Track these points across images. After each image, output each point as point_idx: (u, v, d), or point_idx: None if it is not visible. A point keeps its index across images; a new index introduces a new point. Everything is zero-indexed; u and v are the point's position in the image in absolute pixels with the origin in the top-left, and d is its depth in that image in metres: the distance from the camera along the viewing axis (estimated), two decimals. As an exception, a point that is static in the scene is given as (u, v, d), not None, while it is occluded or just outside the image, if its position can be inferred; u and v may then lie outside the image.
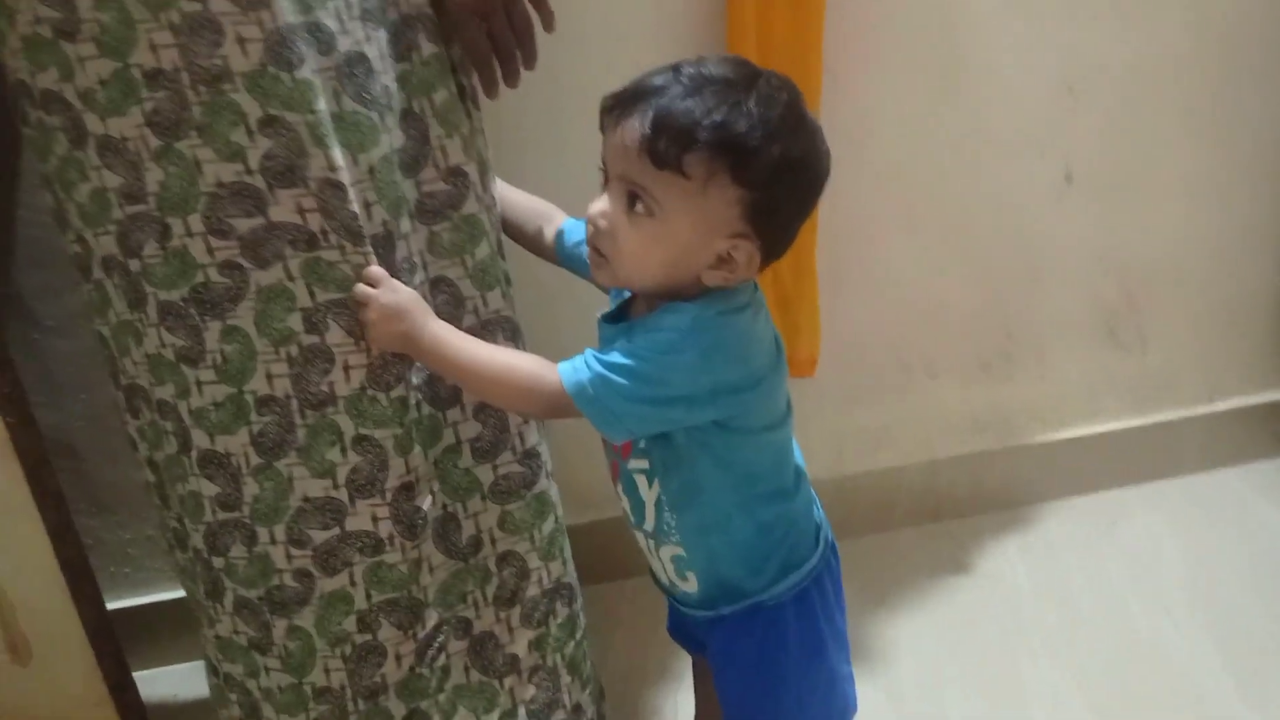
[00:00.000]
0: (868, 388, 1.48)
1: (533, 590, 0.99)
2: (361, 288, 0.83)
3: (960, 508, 1.57)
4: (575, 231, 0.97)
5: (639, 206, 0.78)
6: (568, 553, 1.02)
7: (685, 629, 1.01)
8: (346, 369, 0.84)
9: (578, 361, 0.81)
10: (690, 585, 0.91)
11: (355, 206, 0.81)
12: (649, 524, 0.90)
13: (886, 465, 1.54)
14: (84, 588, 1.10)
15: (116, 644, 1.15)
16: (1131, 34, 1.36)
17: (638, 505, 0.90)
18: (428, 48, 0.85)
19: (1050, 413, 1.57)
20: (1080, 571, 1.44)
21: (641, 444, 0.87)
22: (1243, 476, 1.61)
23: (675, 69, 0.78)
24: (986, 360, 1.51)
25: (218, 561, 0.88)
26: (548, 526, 0.98)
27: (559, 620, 1.01)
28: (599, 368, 0.79)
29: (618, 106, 0.79)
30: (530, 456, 0.96)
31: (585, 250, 0.91)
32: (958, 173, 1.38)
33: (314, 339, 0.83)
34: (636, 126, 0.76)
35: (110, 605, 1.18)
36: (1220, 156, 1.46)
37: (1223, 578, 1.41)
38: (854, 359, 1.44)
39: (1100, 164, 1.42)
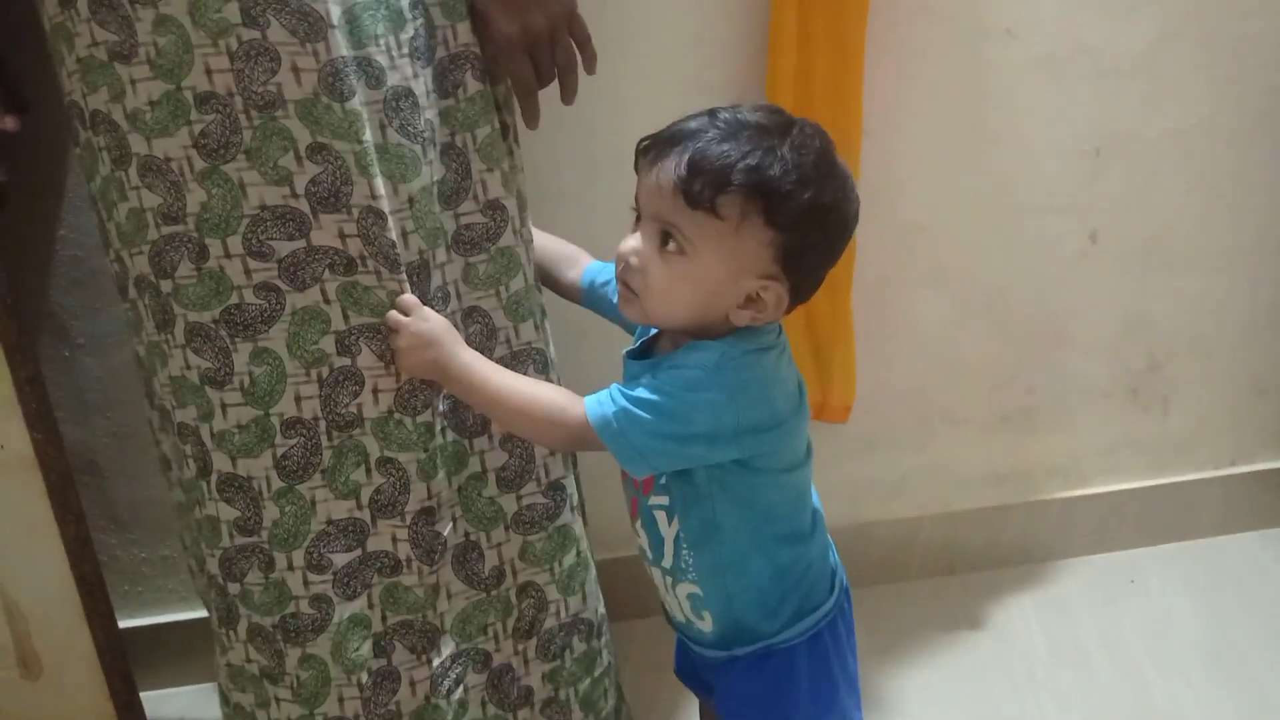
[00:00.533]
0: (887, 437, 1.48)
1: (550, 622, 0.98)
2: (394, 315, 0.84)
3: (976, 561, 1.56)
4: (601, 273, 0.99)
5: (671, 245, 0.80)
6: (590, 588, 1.01)
7: (694, 670, 1.01)
8: (375, 392, 0.85)
9: (603, 395, 0.83)
10: (706, 624, 0.91)
11: (394, 235, 0.83)
12: (667, 561, 0.91)
13: (903, 515, 1.53)
14: (97, 605, 1.11)
15: (126, 663, 1.15)
16: (1162, 103, 1.37)
17: (656, 542, 0.90)
18: (473, 85, 0.88)
19: (1069, 470, 1.56)
20: (1096, 631, 1.43)
21: (663, 480, 0.88)
22: (1261, 541, 1.59)
23: (711, 114, 0.81)
24: (1007, 415, 1.51)
25: (233, 588, 0.88)
26: (569, 560, 0.98)
27: (574, 655, 1.01)
28: (624, 401, 0.81)
29: (654, 148, 0.81)
30: (555, 489, 0.96)
31: (610, 290, 0.94)
32: (984, 230, 1.39)
33: (345, 361, 0.84)
34: (672, 168, 0.78)
35: (121, 624, 1.18)
36: (1247, 228, 1.46)
37: (1239, 643, 1.39)
38: (875, 408, 1.44)
39: (1126, 228, 1.43)
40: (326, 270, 0.82)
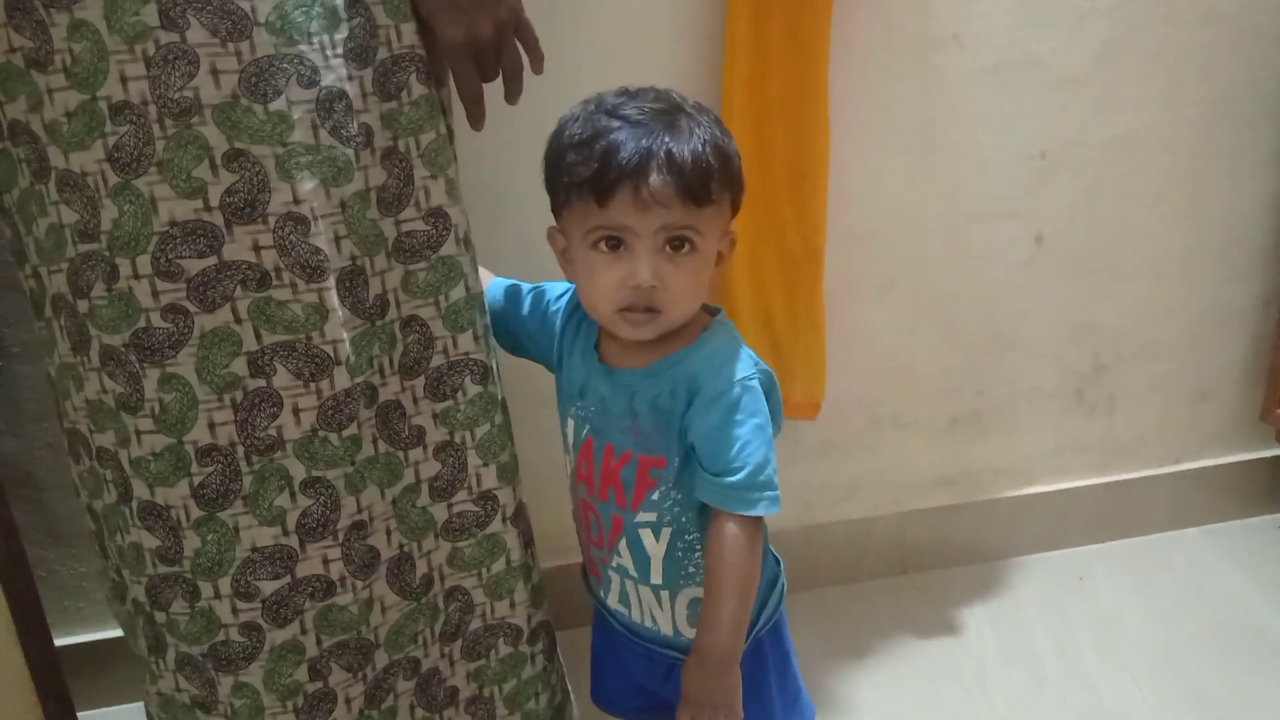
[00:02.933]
0: (839, 441, 1.49)
1: (475, 624, 0.98)
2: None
3: (927, 561, 1.58)
4: (511, 293, 1.01)
5: (686, 248, 0.84)
6: (521, 596, 1.00)
7: (631, 691, 1.02)
8: (296, 411, 0.82)
9: (743, 493, 0.85)
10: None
11: (318, 241, 0.80)
12: (656, 577, 0.92)
13: (855, 517, 1.54)
14: (31, 623, 1.07)
15: (62, 682, 1.11)
16: (1107, 111, 1.39)
17: (642, 561, 0.92)
18: (418, 88, 0.85)
19: (1018, 470, 1.58)
20: (1045, 630, 1.44)
21: (654, 495, 0.89)
22: (1206, 538, 1.63)
23: (623, 116, 0.84)
24: (957, 417, 1.52)
25: (160, 616, 0.86)
26: (497, 566, 0.97)
27: (499, 655, 1.00)
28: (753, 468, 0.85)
29: (613, 172, 0.81)
30: (486, 498, 0.95)
31: (555, 313, 0.97)
32: (934, 236, 1.41)
33: (260, 383, 0.80)
34: (662, 182, 0.81)
35: (60, 640, 1.15)
36: (1190, 233, 1.49)
37: (1186, 639, 1.41)
38: (827, 412, 1.44)
39: (1071, 232, 1.45)
40: (238, 287, 0.78)
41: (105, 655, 1.33)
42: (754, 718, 0.93)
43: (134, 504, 0.82)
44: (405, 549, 0.91)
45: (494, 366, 0.96)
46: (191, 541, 0.82)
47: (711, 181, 0.82)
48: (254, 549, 0.83)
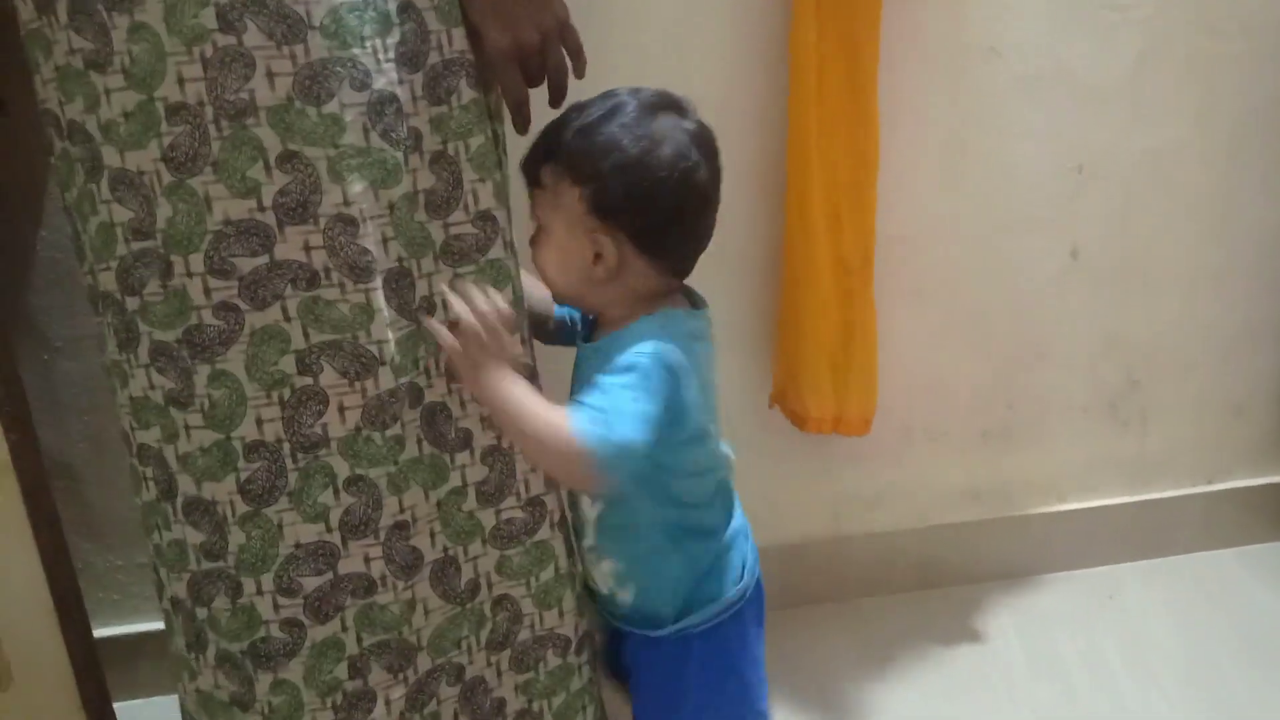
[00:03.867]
0: (867, 452, 1.48)
1: (524, 634, 0.98)
2: (476, 300, 0.86)
3: (956, 576, 1.57)
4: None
5: (535, 227, 0.94)
6: (569, 605, 1.00)
7: (617, 655, 1.05)
8: (341, 410, 0.83)
9: (587, 412, 0.85)
10: (627, 595, 0.97)
11: (366, 243, 0.81)
12: (590, 539, 0.98)
13: (883, 530, 1.53)
14: (72, 614, 1.09)
15: (100, 673, 1.13)
16: (1142, 123, 1.39)
17: (580, 521, 0.98)
18: (467, 93, 0.86)
19: (1048, 485, 1.57)
20: (1075, 647, 1.43)
21: None
22: (1239, 558, 1.61)
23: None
24: (987, 431, 1.52)
25: (201, 612, 0.86)
26: (546, 575, 0.97)
27: (549, 668, 1.00)
28: (601, 401, 0.85)
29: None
30: (534, 504, 0.95)
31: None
32: (966, 247, 1.41)
33: (307, 380, 0.82)
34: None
35: (97, 633, 1.16)
36: (1224, 247, 1.48)
37: (1216, 658, 1.40)
38: (857, 423, 1.45)
39: (1106, 246, 1.44)
40: (289, 286, 0.80)
41: (139, 647, 1.35)
42: (663, 700, 0.98)
43: (179, 500, 0.84)
44: (450, 552, 0.91)
45: (536, 369, 0.97)
46: (236, 537, 0.83)
47: (540, 163, 0.90)
48: (297, 545, 0.84)
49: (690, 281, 1.19)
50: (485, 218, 0.88)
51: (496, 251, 0.89)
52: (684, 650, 0.97)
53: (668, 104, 0.91)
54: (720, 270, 1.35)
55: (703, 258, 1.34)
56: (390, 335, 0.83)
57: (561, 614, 1.00)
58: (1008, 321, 1.46)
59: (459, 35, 0.85)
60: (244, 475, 0.82)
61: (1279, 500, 1.63)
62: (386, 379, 0.84)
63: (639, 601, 0.97)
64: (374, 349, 0.83)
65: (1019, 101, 1.34)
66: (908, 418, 1.49)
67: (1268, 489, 1.62)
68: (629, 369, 0.85)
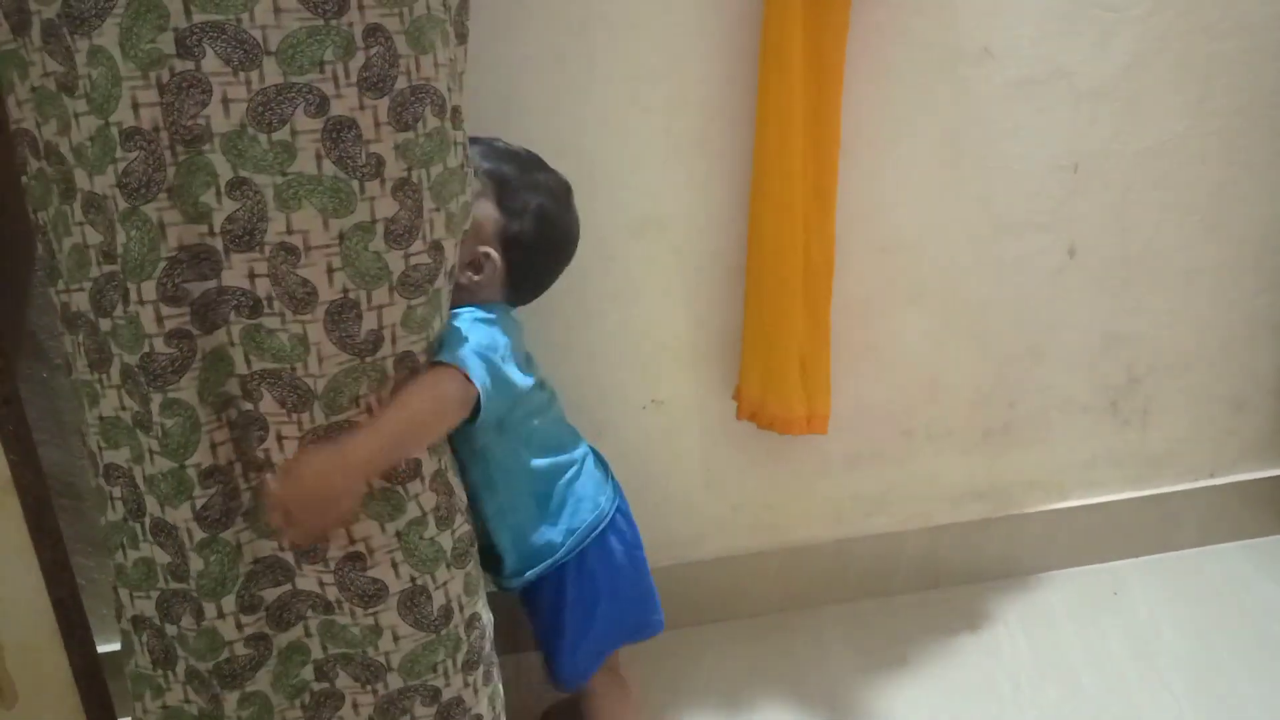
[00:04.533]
0: (870, 453, 1.49)
1: (489, 647, 0.99)
2: (275, 490, 0.83)
3: (959, 575, 1.57)
4: None
5: None
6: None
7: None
8: (280, 439, 0.83)
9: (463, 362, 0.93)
10: (509, 549, 1.08)
11: (308, 273, 0.80)
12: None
13: (886, 530, 1.53)
14: (75, 630, 1.09)
15: (104, 688, 1.13)
16: (1138, 122, 1.39)
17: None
18: (431, 120, 0.84)
19: (1050, 483, 1.57)
20: (1080, 644, 1.43)
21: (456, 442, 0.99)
22: (1242, 552, 1.61)
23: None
24: (988, 430, 1.52)
25: (170, 629, 0.87)
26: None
27: (497, 667, 1.02)
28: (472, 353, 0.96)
29: None
30: (468, 512, 0.98)
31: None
32: (964, 248, 1.41)
33: (248, 406, 0.82)
34: None
35: (100, 648, 1.16)
36: (1222, 243, 1.48)
37: (1222, 653, 1.40)
38: (857, 425, 1.45)
39: (1103, 245, 1.44)
40: (233, 312, 0.80)
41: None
42: (546, 638, 1.11)
43: (147, 520, 0.84)
44: (419, 581, 0.91)
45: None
46: (195, 563, 0.84)
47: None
48: (255, 560, 0.85)
49: (688, 283, 1.34)
50: (436, 247, 0.87)
51: (439, 281, 0.88)
52: (560, 579, 1.09)
53: (564, 188, 1.10)
54: (715, 274, 1.36)
55: (700, 261, 1.35)
56: (325, 371, 0.82)
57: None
58: (1007, 321, 1.46)
59: (427, 62, 0.84)
60: (199, 503, 0.83)
61: (1278, 494, 1.62)
62: (319, 414, 0.83)
63: (516, 551, 1.08)
64: (310, 382, 0.82)
65: (1014, 102, 1.34)
66: (909, 419, 1.49)
67: (1269, 482, 1.62)
68: (463, 329, 0.96)
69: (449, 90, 0.87)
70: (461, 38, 0.91)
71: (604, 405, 1.40)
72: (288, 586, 0.86)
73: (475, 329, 0.96)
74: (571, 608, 1.10)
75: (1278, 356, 1.56)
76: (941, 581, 1.57)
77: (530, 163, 1.08)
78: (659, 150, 1.29)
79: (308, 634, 0.88)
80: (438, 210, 0.86)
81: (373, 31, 0.80)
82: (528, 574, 1.09)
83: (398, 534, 0.89)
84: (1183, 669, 1.37)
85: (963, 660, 1.42)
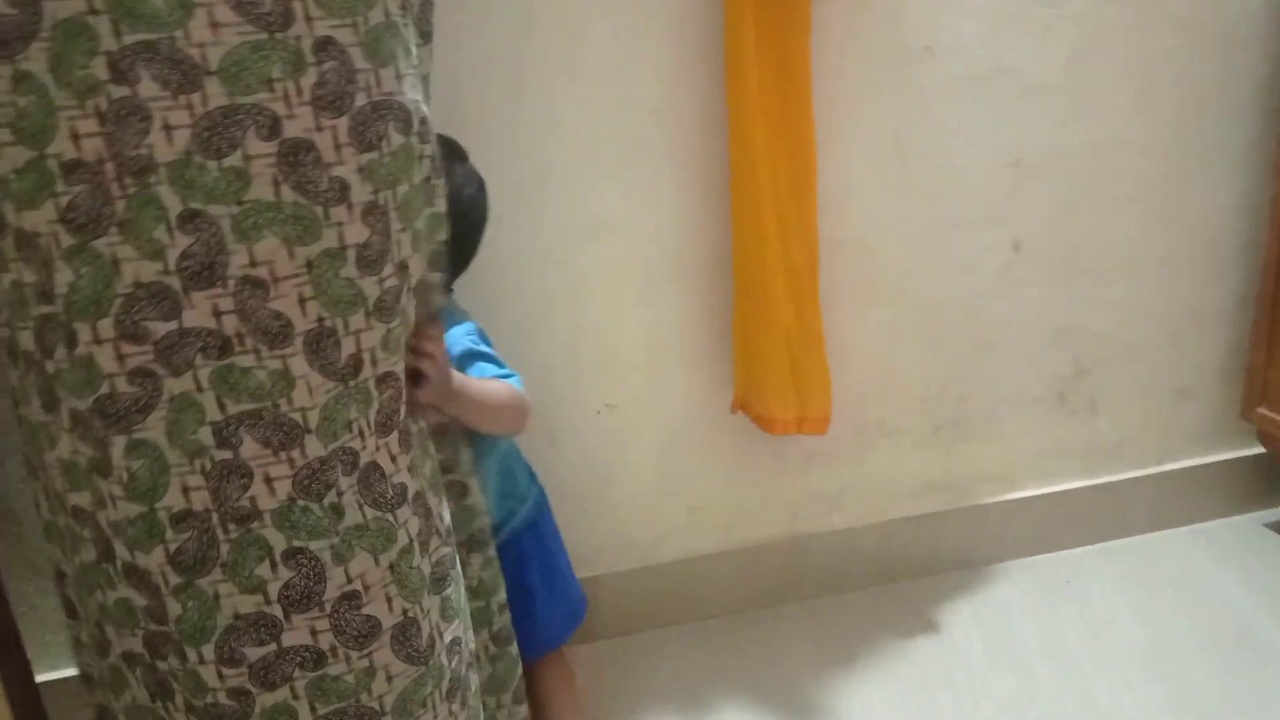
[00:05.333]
0: (824, 451, 1.49)
1: (465, 670, 0.95)
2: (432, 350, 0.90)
3: (916, 569, 1.58)
4: None
5: None
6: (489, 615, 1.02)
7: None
8: (269, 481, 0.78)
9: (512, 379, 1.07)
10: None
11: (279, 305, 0.76)
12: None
13: (843, 526, 1.54)
14: (12, 659, 1.06)
15: (44, 717, 1.10)
16: (1080, 117, 1.41)
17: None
18: (396, 139, 0.79)
19: (1003, 475, 1.58)
20: (1035, 634, 1.45)
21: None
22: (1192, 537, 1.64)
23: None
24: (941, 424, 1.53)
25: (162, 665, 0.82)
26: (477, 603, 0.97)
27: (472, 690, 0.99)
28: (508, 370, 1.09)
29: None
30: (450, 533, 0.93)
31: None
32: (913, 245, 1.41)
33: (226, 455, 0.76)
34: None
35: (41, 676, 1.13)
36: (1166, 234, 1.50)
37: (1174, 638, 1.42)
38: (810, 422, 1.45)
39: (1049, 237, 1.46)
40: (199, 355, 0.74)
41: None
42: (515, 604, 1.13)
43: (118, 563, 0.79)
44: (409, 613, 0.86)
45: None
46: (173, 608, 0.79)
47: None
48: (236, 615, 0.79)
49: (640, 286, 1.35)
50: (403, 266, 0.83)
51: (404, 299, 0.85)
52: (518, 550, 1.17)
53: (456, 150, 1.11)
54: (668, 277, 1.36)
55: (652, 264, 1.35)
56: (315, 401, 0.78)
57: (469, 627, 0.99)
58: (956, 316, 1.47)
59: (388, 75, 0.78)
60: (173, 547, 0.77)
61: (1227, 478, 1.66)
62: (314, 447, 0.79)
63: (495, 509, 1.14)
64: (297, 417, 0.78)
65: (958, 100, 1.35)
66: (862, 415, 1.49)
67: (1217, 466, 1.65)
68: (481, 346, 1.09)
69: (415, 102, 0.82)
70: (425, 37, 0.86)
71: (557, 411, 1.39)
72: (273, 646, 0.80)
73: (469, 329, 1.09)
74: (533, 570, 1.18)
75: (1222, 345, 1.59)
76: (898, 576, 1.58)
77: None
78: (609, 153, 1.28)
79: (294, 696, 0.82)
80: (404, 230, 0.82)
81: (324, 45, 0.74)
82: (500, 534, 1.15)
83: (390, 566, 0.85)
84: (1136, 656, 1.39)
85: (920, 653, 1.43)
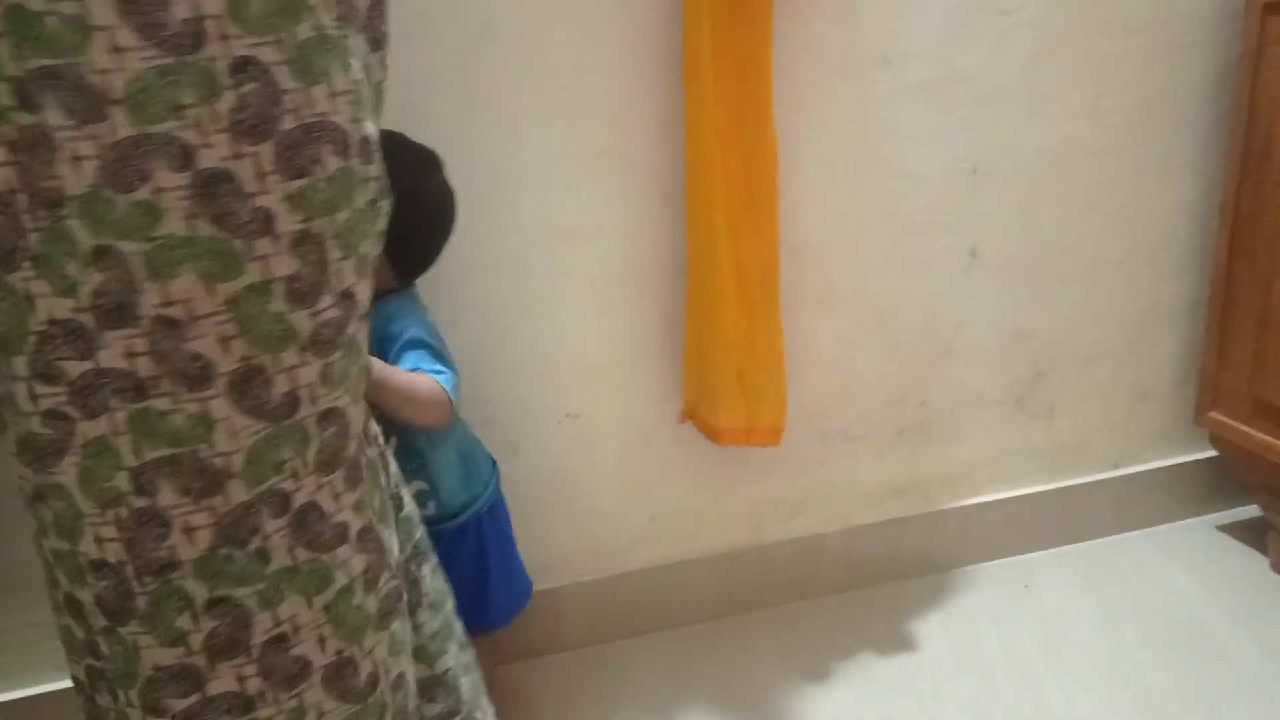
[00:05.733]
0: (787, 458, 1.49)
1: (412, 704, 0.93)
2: None
3: (880, 574, 1.58)
4: None
5: None
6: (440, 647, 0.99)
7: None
8: (189, 531, 0.74)
9: (435, 372, 1.09)
10: (432, 508, 1.19)
11: (198, 346, 0.71)
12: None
13: (806, 533, 1.54)
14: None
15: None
16: (1036, 122, 1.42)
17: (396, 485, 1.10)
18: (333, 162, 0.74)
19: (964, 479, 1.59)
20: (996, 639, 1.46)
21: None
22: (1149, 540, 1.66)
23: None
24: (902, 429, 1.53)
25: (100, 699, 0.80)
26: (409, 634, 0.94)
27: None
28: (438, 362, 1.10)
29: None
30: (400, 566, 0.90)
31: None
32: (871, 251, 1.42)
33: (144, 502, 0.73)
34: None
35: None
36: (1123, 237, 1.52)
37: (1132, 641, 1.43)
38: (773, 430, 1.45)
39: (1007, 241, 1.47)
40: (114, 398, 0.70)
41: (37, 711, 1.28)
42: (473, 583, 1.22)
43: (60, 593, 0.77)
44: (345, 654, 0.83)
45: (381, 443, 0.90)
46: (103, 647, 0.76)
47: None
48: (156, 668, 0.76)
49: (601, 293, 1.36)
50: (346, 296, 0.78)
51: (352, 327, 0.80)
52: (479, 531, 1.22)
53: (433, 160, 1.13)
54: (628, 284, 1.35)
55: (612, 272, 1.34)
56: (239, 444, 0.74)
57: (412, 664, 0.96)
58: (916, 321, 1.48)
59: (320, 94, 0.73)
60: (95, 590, 0.74)
61: (1184, 481, 1.68)
62: (237, 492, 0.75)
63: (443, 503, 1.19)
64: (218, 462, 0.74)
65: (915, 105, 1.36)
66: (824, 421, 1.50)
67: (1172, 470, 1.67)
68: (425, 336, 1.11)
69: (355, 121, 0.76)
70: (376, 44, 0.82)
71: (520, 420, 1.38)
72: (197, 697, 0.77)
73: (421, 320, 1.12)
74: (492, 550, 1.24)
75: (1178, 347, 1.61)
76: (862, 581, 1.58)
77: (393, 145, 1.01)
78: (568, 160, 1.27)
79: None
80: (346, 258, 0.77)
81: (243, 65, 0.69)
82: (463, 516, 1.20)
83: (325, 607, 0.81)
84: (1094, 659, 1.41)
85: (884, 659, 1.43)
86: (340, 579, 0.82)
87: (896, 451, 1.54)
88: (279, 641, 0.79)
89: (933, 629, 1.49)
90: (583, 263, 1.33)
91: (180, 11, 0.67)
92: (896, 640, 1.47)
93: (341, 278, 0.77)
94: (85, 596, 0.75)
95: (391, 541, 0.89)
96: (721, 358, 1.30)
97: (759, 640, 1.48)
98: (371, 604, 0.86)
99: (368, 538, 0.85)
